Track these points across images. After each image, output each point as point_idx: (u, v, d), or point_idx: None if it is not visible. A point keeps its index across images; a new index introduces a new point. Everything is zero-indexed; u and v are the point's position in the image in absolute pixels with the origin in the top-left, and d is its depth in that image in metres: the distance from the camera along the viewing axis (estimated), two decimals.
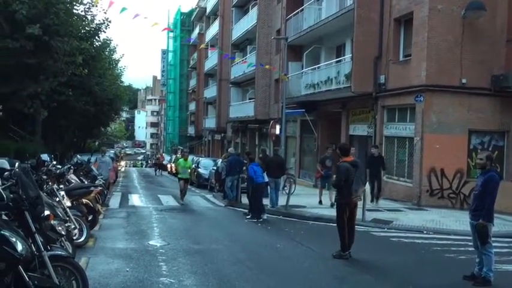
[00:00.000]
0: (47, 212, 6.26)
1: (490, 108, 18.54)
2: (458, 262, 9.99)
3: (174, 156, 47.38)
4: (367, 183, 16.98)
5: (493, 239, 8.32)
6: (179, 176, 19.93)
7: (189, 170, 20.54)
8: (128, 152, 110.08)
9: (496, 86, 18.29)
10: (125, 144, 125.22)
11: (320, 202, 18.08)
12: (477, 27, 18.21)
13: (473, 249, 8.73)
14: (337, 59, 24.28)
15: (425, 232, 13.44)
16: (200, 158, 35.28)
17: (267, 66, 28.87)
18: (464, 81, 18.12)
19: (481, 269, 8.18)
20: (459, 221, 14.60)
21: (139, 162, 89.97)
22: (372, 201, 17.36)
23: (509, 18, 18.20)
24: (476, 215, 8.17)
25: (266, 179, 16.34)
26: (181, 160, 20.28)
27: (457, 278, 8.42)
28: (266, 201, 16.70)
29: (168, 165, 46.86)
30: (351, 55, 21.87)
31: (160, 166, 48.59)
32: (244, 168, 18.63)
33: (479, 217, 8.09)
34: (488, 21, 18.30)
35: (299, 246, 11.25)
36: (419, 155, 18.27)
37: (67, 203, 9.40)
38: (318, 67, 25.55)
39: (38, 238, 5.44)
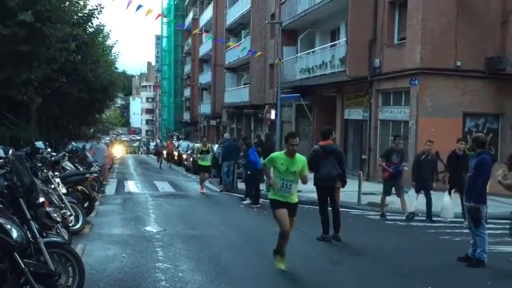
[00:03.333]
0: (41, 199, 6.24)
1: (485, 90, 18.57)
2: (453, 244, 10.08)
3: (190, 145, 34.28)
4: (446, 194, 12.57)
5: (487, 220, 8.38)
6: (274, 197, 7.82)
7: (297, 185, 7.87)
8: (123, 139, 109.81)
9: (490, 68, 18.31)
10: (120, 131, 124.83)
11: (383, 215, 12.94)
12: (472, 9, 18.17)
13: (467, 231, 8.80)
14: (332, 43, 24.21)
15: (420, 215, 13.50)
16: (195, 144, 34.87)
17: (259, 54, 28.12)
18: (458, 64, 18.14)
19: (475, 251, 8.25)
20: (454, 203, 14.64)
21: (136, 147, 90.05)
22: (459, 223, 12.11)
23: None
24: (470, 197, 8.23)
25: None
26: (278, 155, 7.94)
27: (452, 259, 8.48)
28: (262, 186, 16.72)
29: (164, 152, 39.86)
30: (345, 39, 21.80)
31: (169, 156, 39.70)
32: (241, 154, 18.53)
33: (472, 199, 8.15)
34: (483, 3, 18.29)
35: (295, 230, 11.12)
36: (414, 138, 18.31)
37: (62, 190, 9.37)
38: (313, 51, 25.48)
39: (34, 225, 5.44)
